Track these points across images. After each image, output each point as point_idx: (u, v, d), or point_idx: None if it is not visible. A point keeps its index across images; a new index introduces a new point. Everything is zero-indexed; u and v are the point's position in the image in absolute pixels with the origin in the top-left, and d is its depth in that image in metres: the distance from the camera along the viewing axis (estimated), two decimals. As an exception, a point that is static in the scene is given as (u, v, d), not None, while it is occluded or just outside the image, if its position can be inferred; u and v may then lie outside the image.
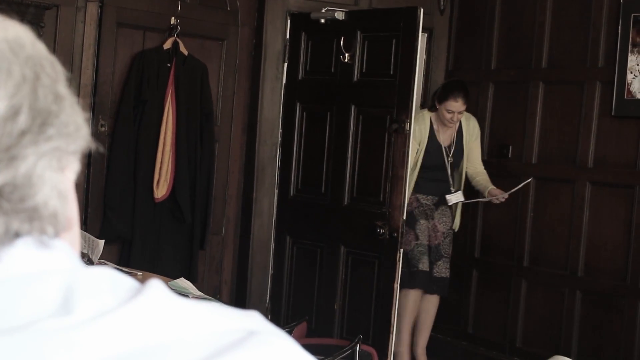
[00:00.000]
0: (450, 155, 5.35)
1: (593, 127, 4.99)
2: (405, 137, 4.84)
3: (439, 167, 5.32)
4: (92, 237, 3.73)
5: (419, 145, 5.26)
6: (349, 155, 5.17)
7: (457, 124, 5.32)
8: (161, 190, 4.91)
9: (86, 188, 4.88)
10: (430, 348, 5.70)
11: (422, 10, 4.88)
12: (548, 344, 5.17)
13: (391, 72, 4.98)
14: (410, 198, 5.22)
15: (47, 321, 0.59)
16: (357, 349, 3.90)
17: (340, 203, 5.24)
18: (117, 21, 4.93)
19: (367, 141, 5.10)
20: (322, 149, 5.32)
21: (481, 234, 5.50)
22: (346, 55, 5.16)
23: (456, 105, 5.12)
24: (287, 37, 5.40)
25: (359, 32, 5.14)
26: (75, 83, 4.75)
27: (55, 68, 0.68)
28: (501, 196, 5.17)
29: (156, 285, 0.63)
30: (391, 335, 4.93)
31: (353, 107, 5.16)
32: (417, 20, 4.83)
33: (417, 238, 5.24)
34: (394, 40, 4.96)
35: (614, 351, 4.90)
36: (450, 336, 5.65)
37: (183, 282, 3.60)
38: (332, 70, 5.25)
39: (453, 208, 5.43)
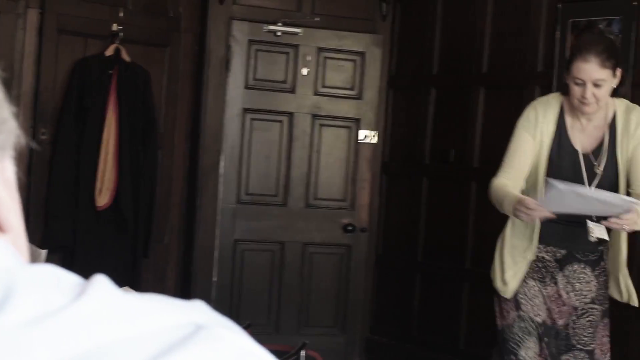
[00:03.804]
0: (598, 167, 3.36)
1: (533, 132, 5.06)
2: (369, 146, 5.64)
3: None
4: (34, 247, 3.69)
5: (538, 145, 3.39)
6: (310, 161, 5.56)
7: (605, 113, 3.37)
8: (103, 199, 4.87)
9: (27, 197, 4.82)
10: (373, 351, 5.74)
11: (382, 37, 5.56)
12: (491, 344, 5.22)
13: (351, 88, 5.61)
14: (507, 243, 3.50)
15: None
16: (303, 354, 3.91)
17: (299, 205, 5.56)
18: (58, 28, 4.88)
19: (328, 149, 5.61)
20: (273, 156, 5.52)
21: (424, 237, 5.55)
22: (304, 69, 5.46)
23: (587, 68, 3.19)
24: (231, 44, 5.41)
25: (316, 48, 5.52)
26: (16, 91, 4.69)
27: None
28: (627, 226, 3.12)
29: (102, 281, 0.61)
30: (355, 319, 5.61)
31: (312, 117, 5.56)
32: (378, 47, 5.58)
33: (517, 307, 3.43)
34: (353, 60, 5.60)
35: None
36: (394, 339, 5.69)
37: (127, 291, 3.58)
38: (285, 80, 5.50)
39: (607, 267, 3.42)
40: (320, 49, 5.55)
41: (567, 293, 3.39)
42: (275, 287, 5.53)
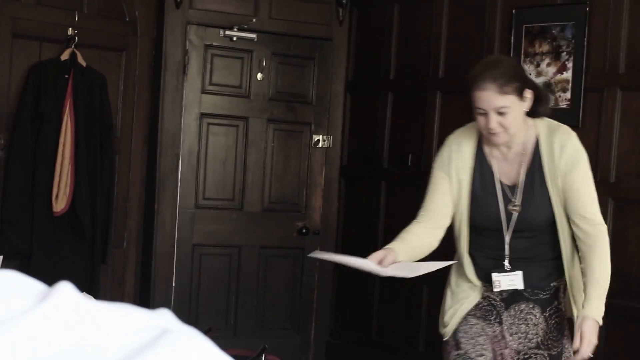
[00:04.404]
0: (515, 202, 3.05)
1: (489, 135, 5.11)
2: (324, 150, 5.70)
3: (494, 226, 3.08)
4: (-11, 253, 3.65)
5: (456, 183, 3.12)
6: (265, 165, 5.60)
7: (525, 139, 3.05)
8: (60, 204, 4.83)
9: (-18, 203, 4.77)
10: (334, 355, 5.75)
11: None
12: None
13: (306, 92, 5.68)
14: (454, 282, 3.25)
15: None
16: (262, 358, 3.90)
17: (255, 209, 5.59)
18: (13, 32, 4.83)
19: (282, 153, 5.66)
20: (230, 160, 5.54)
21: (383, 240, 5.57)
22: (259, 74, 5.50)
23: (484, 97, 2.91)
24: (187, 48, 5.40)
25: (271, 53, 5.57)
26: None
27: None
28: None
29: (66, 287, 0.60)
30: (313, 322, 5.71)
31: (267, 122, 5.60)
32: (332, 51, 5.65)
33: (457, 346, 3.16)
34: (308, 65, 5.66)
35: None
36: (355, 343, 5.71)
37: (85, 297, 3.55)
38: (240, 85, 5.54)
39: (563, 305, 3.11)
40: (275, 54, 5.58)
41: (511, 335, 3.08)
42: (233, 290, 5.55)
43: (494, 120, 2.91)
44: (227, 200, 5.55)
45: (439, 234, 3.15)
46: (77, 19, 5.01)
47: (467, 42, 5.18)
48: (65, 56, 4.91)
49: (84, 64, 4.95)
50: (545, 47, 4.75)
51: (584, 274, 2.97)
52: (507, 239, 3.05)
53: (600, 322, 2.94)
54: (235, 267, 5.56)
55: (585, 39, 4.57)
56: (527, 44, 4.82)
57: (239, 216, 5.56)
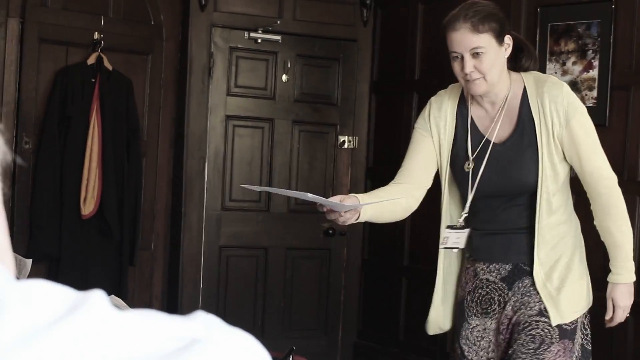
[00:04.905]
0: (471, 163, 2.86)
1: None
2: (350, 151, 5.72)
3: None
4: (19, 257, 3.68)
5: (435, 143, 2.93)
6: (291, 167, 5.61)
7: (507, 93, 2.83)
8: (88, 207, 4.86)
9: (12, 206, 4.81)
10: (361, 356, 5.75)
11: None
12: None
13: (331, 93, 5.70)
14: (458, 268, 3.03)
15: None
16: (290, 359, 3.91)
17: (281, 210, 5.60)
18: (39, 37, 4.88)
19: (308, 154, 5.67)
20: (255, 162, 5.56)
21: (410, 241, 5.57)
22: (284, 75, 5.52)
23: (457, 37, 2.75)
24: (212, 51, 5.42)
25: (295, 55, 5.58)
26: (-3, 100, 4.69)
27: None
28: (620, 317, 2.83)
29: (97, 295, 0.60)
30: (341, 323, 5.73)
31: (292, 123, 5.61)
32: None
33: (462, 355, 2.98)
34: (333, 66, 5.67)
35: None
36: (381, 343, 5.70)
37: (114, 300, 3.58)
38: (266, 87, 5.55)
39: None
40: (300, 56, 5.59)
41: (516, 312, 2.83)
42: (260, 291, 5.56)
43: (470, 64, 2.73)
44: (253, 202, 5.56)
45: (418, 195, 2.95)
46: (102, 23, 5.05)
47: (492, 41, 5.15)
48: (91, 60, 4.95)
49: (110, 67, 4.99)
50: (571, 46, 4.72)
51: (603, 239, 2.79)
52: (469, 197, 2.82)
53: (633, 279, 2.81)
54: (262, 268, 5.58)
55: (611, 36, 4.54)
56: (552, 42, 4.80)
57: (266, 218, 5.57)
